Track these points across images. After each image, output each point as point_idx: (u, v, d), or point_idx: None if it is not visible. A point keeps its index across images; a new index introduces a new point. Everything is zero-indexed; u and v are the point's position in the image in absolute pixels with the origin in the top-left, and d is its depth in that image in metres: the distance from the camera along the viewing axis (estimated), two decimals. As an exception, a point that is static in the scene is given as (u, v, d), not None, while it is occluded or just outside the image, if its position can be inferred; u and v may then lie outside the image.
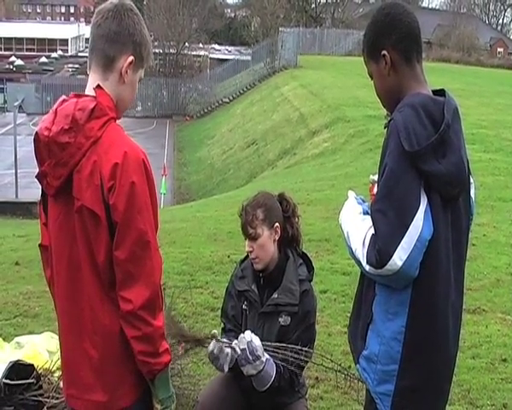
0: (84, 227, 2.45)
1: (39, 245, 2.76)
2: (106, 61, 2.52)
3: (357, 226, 2.65)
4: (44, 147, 2.49)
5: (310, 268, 3.81)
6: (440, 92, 2.70)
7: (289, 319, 3.66)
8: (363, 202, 2.83)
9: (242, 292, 3.76)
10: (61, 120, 2.46)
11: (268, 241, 3.67)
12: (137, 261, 2.41)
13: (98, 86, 2.51)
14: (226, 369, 3.50)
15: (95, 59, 2.55)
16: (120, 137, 2.47)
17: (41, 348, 4.71)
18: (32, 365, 4.32)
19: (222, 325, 3.94)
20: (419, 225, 2.47)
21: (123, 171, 2.37)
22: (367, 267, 2.53)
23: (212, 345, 3.47)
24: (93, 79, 2.54)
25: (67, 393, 2.67)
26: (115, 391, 2.53)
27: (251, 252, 3.66)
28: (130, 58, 2.53)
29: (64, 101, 2.54)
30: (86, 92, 2.55)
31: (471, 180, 2.83)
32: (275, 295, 3.68)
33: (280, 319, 3.67)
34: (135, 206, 2.39)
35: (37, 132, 2.53)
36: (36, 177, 2.57)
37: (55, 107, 2.54)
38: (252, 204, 3.69)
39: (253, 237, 3.63)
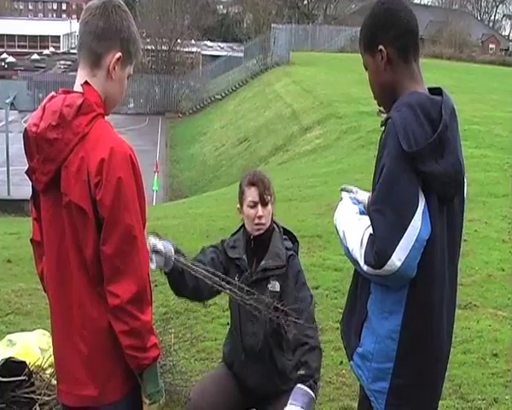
0: (72, 222, 2.48)
1: (31, 240, 2.78)
2: (93, 58, 2.54)
3: (353, 226, 2.65)
4: (33, 143, 2.52)
5: (293, 241, 3.93)
6: (437, 91, 2.69)
7: (277, 284, 3.72)
8: (358, 202, 2.83)
9: (233, 260, 3.80)
10: (48, 117, 2.49)
11: (271, 210, 3.82)
12: (124, 256, 2.43)
13: (86, 83, 2.53)
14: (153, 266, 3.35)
15: (83, 56, 2.57)
16: (107, 133, 2.49)
17: (33, 346, 4.70)
18: (24, 362, 4.32)
19: None
20: (417, 225, 2.47)
21: (109, 167, 2.40)
22: (365, 267, 2.53)
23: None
24: (81, 76, 2.57)
25: (59, 388, 2.71)
26: (105, 385, 2.56)
27: (261, 217, 3.75)
28: (118, 54, 2.54)
29: (52, 97, 2.56)
30: (75, 89, 2.57)
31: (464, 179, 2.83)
32: (262, 262, 3.76)
33: (269, 285, 3.73)
34: (121, 201, 2.41)
35: (26, 128, 2.56)
36: (25, 173, 2.59)
37: (43, 103, 2.57)
38: (259, 174, 3.87)
39: (266, 203, 3.76)
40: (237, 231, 3.95)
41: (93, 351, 2.54)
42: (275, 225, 3.88)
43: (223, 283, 3.48)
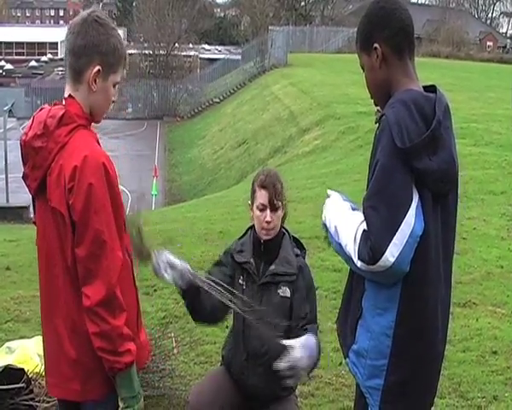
0: (56, 226, 2.62)
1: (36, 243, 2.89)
2: (74, 74, 2.70)
3: (347, 221, 2.66)
4: (24, 150, 2.70)
5: (301, 249, 3.92)
6: (431, 89, 2.72)
7: (288, 290, 3.72)
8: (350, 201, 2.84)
9: (240, 264, 3.79)
10: (35, 126, 2.66)
11: (281, 215, 3.79)
12: (95, 259, 2.55)
13: (69, 96, 2.69)
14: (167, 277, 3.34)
15: (67, 71, 2.74)
16: (85, 142, 2.62)
17: (32, 353, 4.71)
18: (23, 369, 4.33)
19: None
20: (411, 221, 2.48)
21: (81, 173, 2.53)
22: (358, 263, 2.53)
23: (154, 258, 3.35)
24: (67, 90, 2.73)
25: (48, 381, 2.87)
26: (87, 382, 2.69)
27: (269, 222, 3.72)
28: (96, 68, 2.67)
29: (42, 108, 2.74)
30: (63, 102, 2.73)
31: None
32: (272, 267, 3.75)
33: (279, 290, 3.73)
34: (91, 206, 2.54)
35: (20, 137, 2.74)
36: (22, 177, 2.75)
37: (34, 113, 2.73)
38: (272, 177, 3.80)
39: (275, 209, 3.73)
40: (244, 235, 3.93)
41: (76, 349, 2.67)
42: (284, 231, 3.87)
43: (232, 301, 3.44)
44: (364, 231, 2.53)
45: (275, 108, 32.94)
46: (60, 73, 65.43)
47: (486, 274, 7.76)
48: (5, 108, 25.83)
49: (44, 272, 2.75)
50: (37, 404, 4.24)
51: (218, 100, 46.03)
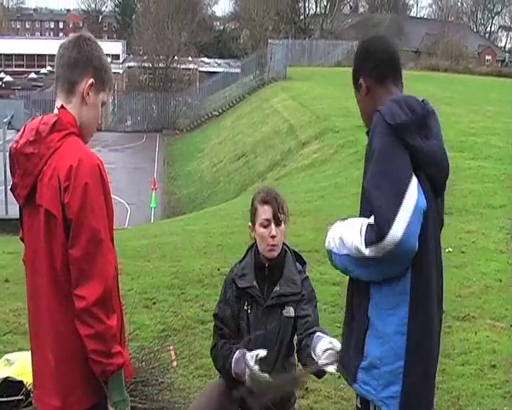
0: (47, 231, 2.63)
1: (23, 260, 2.89)
2: (68, 86, 2.74)
3: (350, 224, 2.73)
4: (14, 158, 2.72)
5: (302, 263, 3.92)
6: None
7: (291, 309, 3.72)
8: None
9: (244, 290, 3.77)
10: (27, 134, 2.70)
11: (284, 229, 3.79)
12: (91, 259, 2.55)
13: (62, 106, 2.74)
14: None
15: (59, 86, 2.77)
16: (78, 147, 2.67)
17: (30, 365, 4.70)
18: (22, 381, 4.32)
19: (216, 328, 3.91)
20: (414, 193, 2.56)
21: (77, 173, 2.56)
22: (367, 252, 2.58)
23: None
24: (58, 103, 2.77)
25: (34, 393, 2.90)
26: (69, 396, 2.67)
27: (274, 237, 3.70)
28: (91, 80, 2.74)
29: (33, 118, 2.78)
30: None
31: None
32: (277, 288, 3.74)
33: (284, 311, 3.73)
34: (88, 205, 2.56)
35: (10, 147, 2.78)
36: (10, 189, 2.81)
37: (26, 123, 2.78)
38: (272, 192, 3.81)
39: (280, 223, 3.72)
40: (244, 257, 3.91)
41: (60, 361, 2.66)
42: (286, 248, 3.85)
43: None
44: (369, 224, 2.59)
45: (274, 122, 32.96)
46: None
47: (485, 288, 7.75)
48: (4, 120, 25.86)
49: (30, 281, 2.76)
50: (35, 416, 4.23)
51: (217, 113, 46.10)
